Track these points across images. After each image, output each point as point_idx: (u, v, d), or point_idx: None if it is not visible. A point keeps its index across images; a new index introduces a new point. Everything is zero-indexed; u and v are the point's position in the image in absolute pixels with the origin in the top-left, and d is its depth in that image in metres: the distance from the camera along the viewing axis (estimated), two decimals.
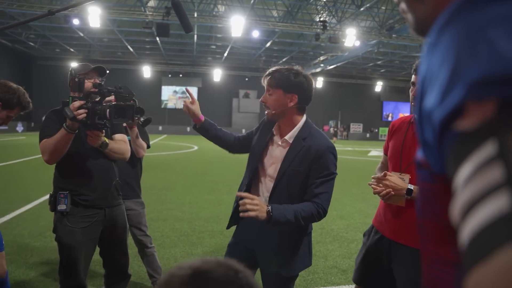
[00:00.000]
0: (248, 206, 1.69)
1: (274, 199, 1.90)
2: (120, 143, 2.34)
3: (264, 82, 1.95)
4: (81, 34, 23.16)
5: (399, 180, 1.92)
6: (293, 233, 1.96)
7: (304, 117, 1.99)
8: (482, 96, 0.30)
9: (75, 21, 17.31)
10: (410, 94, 2.02)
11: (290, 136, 1.94)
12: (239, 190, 2.08)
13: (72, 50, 29.06)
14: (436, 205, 0.46)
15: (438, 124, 0.35)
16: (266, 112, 1.97)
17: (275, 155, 1.97)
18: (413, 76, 2.00)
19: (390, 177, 1.93)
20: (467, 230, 0.29)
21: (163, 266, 3.38)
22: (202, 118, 2.19)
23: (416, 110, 0.43)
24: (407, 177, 1.96)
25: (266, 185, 1.98)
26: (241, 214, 1.73)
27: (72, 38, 25.31)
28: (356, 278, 2.19)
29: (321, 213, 1.85)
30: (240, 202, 1.74)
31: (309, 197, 1.86)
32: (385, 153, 2.25)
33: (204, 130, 2.19)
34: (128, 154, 2.39)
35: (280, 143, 1.97)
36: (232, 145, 2.23)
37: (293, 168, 1.88)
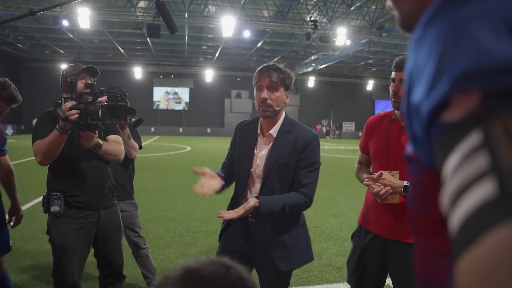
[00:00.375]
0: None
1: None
2: (114, 144, 2.32)
3: (267, 77, 1.86)
4: (71, 36, 22.97)
5: (394, 178, 1.93)
6: (286, 227, 1.97)
7: (284, 112, 2.00)
8: (466, 88, 0.32)
9: (65, 23, 17.20)
10: (390, 90, 2.04)
11: (274, 131, 1.94)
12: (232, 205, 2.05)
13: (61, 51, 28.81)
14: (426, 197, 0.47)
15: (425, 116, 0.36)
16: (263, 109, 1.88)
17: (262, 155, 1.96)
18: (393, 72, 2.02)
19: (386, 176, 1.93)
20: (456, 217, 0.31)
21: (158, 267, 3.37)
22: (223, 180, 2.00)
23: (404, 104, 0.44)
24: (397, 174, 1.98)
25: (255, 186, 1.97)
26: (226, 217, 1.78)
27: (61, 39, 25.08)
28: (354, 282, 2.18)
29: (307, 203, 1.90)
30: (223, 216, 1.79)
31: (297, 187, 1.90)
32: (363, 151, 2.25)
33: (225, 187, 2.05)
34: (122, 155, 2.38)
35: (264, 139, 1.96)
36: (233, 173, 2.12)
37: (282, 160, 1.89)
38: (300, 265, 2.00)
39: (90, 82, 2.22)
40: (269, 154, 1.92)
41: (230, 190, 2.17)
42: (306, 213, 5.71)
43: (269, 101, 1.86)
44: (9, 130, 27.25)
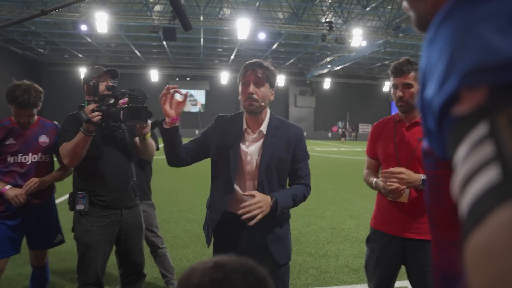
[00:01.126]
0: (255, 212, 1.75)
1: (264, 193, 1.89)
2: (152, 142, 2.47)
3: (252, 73, 1.89)
4: (89, 40, 23.42)
5: (412, 172, 1.94)
6: (283, 221, 2.01)
7: (268, 109, 2.03)
8: (474, 83, 0.34)
9: (83, 27, 17.52)
10: (394, 96, 2.06)
11: (264, 127, 1.97)
12: (216, 202, 1.98)
13: (80, 55, 29.40)
14: (440, 190, 0.49)
15: (437, 110, 0.39)
16: (249, 103, 1.89)
17: (253, 152, 1.96)
18: (392, 78, 2.05)
19: (404, 171, 1.94)
20: (465, 202, 0.33)
21: (176, 267, 3.41)
22: (178, 119, 1.92)
23: (418, 101, 0.47)
24: None
25: (247, 183, 1.96)
26: (246, 219, 1.76)
27: (80, 44, 25.61)
28: (373, 285, 2.17)
29: (309, 192, 2.01)
30: (244, 209, 1.75)
31: (297, 180, 1.98)
32: (371, 156, 2.28)
33: (175, 132, 1.93)
34: (154, 154, 2.54)
35: (255, 136, 1.96)
36: (184, 159, 2.00)
37: (277, 156, 1.93)
38: (290, 255, 2.06)
39: (111, 84, 2.28)
40: (262, 151, 1.94)
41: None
42: (323, 214, 5.70)
43: (255, 96, 1.88)
44: None
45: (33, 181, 2.50)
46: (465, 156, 0.34)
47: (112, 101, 2.18)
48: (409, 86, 1.99)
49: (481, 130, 0.33)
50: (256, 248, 1.94)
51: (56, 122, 2.79)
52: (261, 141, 1.96)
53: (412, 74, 1.98)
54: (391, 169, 1.97)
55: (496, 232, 0.29)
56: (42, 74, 31.52)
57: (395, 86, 2.04)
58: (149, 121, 3.31)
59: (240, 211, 1.76)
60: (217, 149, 2.00)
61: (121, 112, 2.07)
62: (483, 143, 0.32)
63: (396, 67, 2.01)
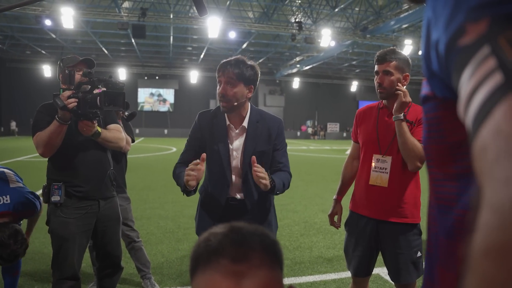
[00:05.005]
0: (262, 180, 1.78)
1: (248, 186, 1.96)
2: (113, 131, 2.32)
3: (223, 74, 1.89)
4: (53, 36, 22.60)
5: None
6: (270, 205, 2.10)
7: (249, 103, 2.04)
8: (477, 17, 0.38)
9: (47, 22, 16.87)
10: (375, 82, 2.14)
11: (245, 123, 1.99)
12: (207, 205, 2.08)
13: (43, 52, 28.31)
14: (440, 129, 0.55)
15: (444, 46, 0.44)
16: (222, 104, 1.92)
17: (237, 147, 2.00)
18: (376, 66, 2.13)
19: None
20: (471, 112, 0.36)
21: (151, 262, 3.37)
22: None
23: (422, 49, 0.51)
24: (389, 159, 2.08)
25: (233, 180, 2.01)
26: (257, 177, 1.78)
27: (43, 39, 24.66)
28: (353, 268, 2.24)
29: (291, 177, 2.08)
30: (257, 167, 1.78)
31: (278, 167, 2.03)
32: (355, 140, 2.36)
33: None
34: (123, 143, 2.38)
35: (237, 131, 2.00)
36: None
37: (260, 150, 1.97)
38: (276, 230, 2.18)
39: (88, 70, 2.22)
40: (245, 146, 1.97)
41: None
42: (295, 209, 5.85)
43: (226, 97, 1.89)
44: None
45: None
46: (470, 75, 0.37)
47: (88, 88, 2.13)
48: (389, 73, 2.06)
49: (484, 51, 0.36)
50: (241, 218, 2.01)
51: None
52: (243, 136, 1.99)
53: (393, 63, 2.05)
54: None
55: (502, 116, 0.30)
56: (1, 71, 30.12)
57: (376, 73, 2.12)
58: (126, 113, 3.28)
59: (254, 164, 1.78)
60: (209, 146, 2.01)
61: (98, 97, 2.02)
62: (486, 60, 0.35)
63: (380, 54, 2.10)
